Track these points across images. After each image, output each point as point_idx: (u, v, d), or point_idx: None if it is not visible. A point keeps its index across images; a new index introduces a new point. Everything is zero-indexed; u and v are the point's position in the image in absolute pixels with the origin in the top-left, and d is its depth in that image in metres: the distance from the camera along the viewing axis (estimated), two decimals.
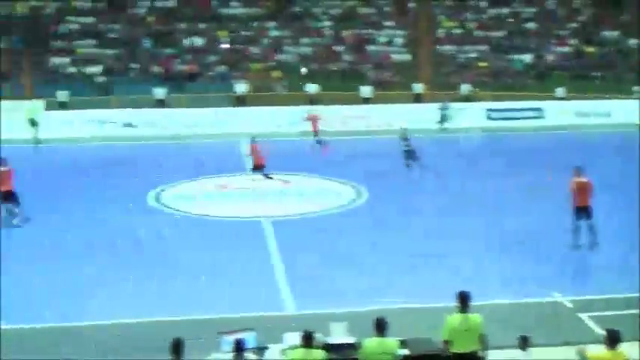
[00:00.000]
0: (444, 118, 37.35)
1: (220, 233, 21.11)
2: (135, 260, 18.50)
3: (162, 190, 25.53)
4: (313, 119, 33.56)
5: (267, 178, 26.14)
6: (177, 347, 9.94)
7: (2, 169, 21.76)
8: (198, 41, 46.40)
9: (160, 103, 40.22)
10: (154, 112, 38.95)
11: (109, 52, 45.12)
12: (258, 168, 26.21)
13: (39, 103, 37.52)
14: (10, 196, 21.72)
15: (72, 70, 43.55)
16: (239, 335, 10.81)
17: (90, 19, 47.54)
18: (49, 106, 38.76)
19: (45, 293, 16.46)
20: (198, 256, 18.80)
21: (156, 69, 44.11)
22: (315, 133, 33.28)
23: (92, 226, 21.57)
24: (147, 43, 45.95)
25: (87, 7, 48.57)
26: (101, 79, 42.87)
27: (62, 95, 39.80)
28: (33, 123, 35.00)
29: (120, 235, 20.57)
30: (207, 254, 18.93)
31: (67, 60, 44.05)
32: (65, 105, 39.51)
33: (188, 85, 43.02)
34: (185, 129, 37.06)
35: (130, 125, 37.50)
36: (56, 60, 43.98)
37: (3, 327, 14.39)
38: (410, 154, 27.32)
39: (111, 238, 20.33)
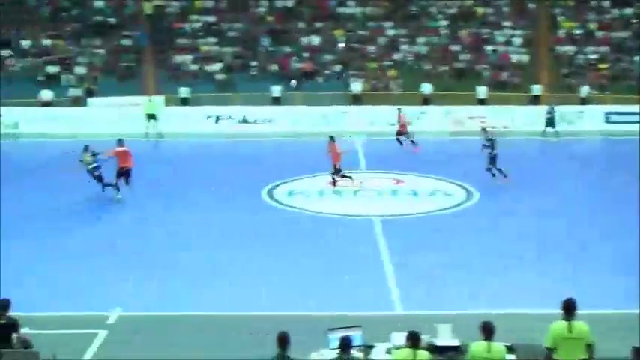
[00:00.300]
0: (549, 122, 36.45)
1: (332, 231, 21.45)
2: (248, 255, 19.09)
3: (276, 186, 26.09)
4: (402, 119, 33.50)
5: (334, 180, 25.89)
6: (282, 341, 10.23)
7: (121, 149, 24.20)
8: (316, 40, 46.98)
9: (276, 101, 41.02)
10: (270, 109, 39.66)
11: (229, 50, 46.24)
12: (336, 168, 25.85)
13: (159, 99, 38.81)
14: (126, 173, 24.25)
15: (193, 67, 44.83)
16: (346, 332, 11.01)
17: (212, 18, 48.85)
18: (170, 102, 40.22)
19: (167, 281, 17.29)
20: (309, 253, 19.22)
21: (273, 67, 44.93)
22: (403, 132, 33.05)
23: (207, 220, 22.30)
24: (265, 42, 46.84)
25: (209, 6, 49.90)
26: (221, 76, 44.00)
27: (184, 92, 41.13)
28: (152, 118, 36.38)
29: (234, 230, 21.26)
30: (318, 251, 19.33)
31: (189, 57, 45.38)
32: (186, 101, 40.80)
33: (304, 83, 43.68)
34: (300, 126, 37.66)
35: (246, 122, 38.31)
36: (178, 57, 45.36)
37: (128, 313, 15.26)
38: (492, 160, 26.07)
39: (226, 233, 21.04)
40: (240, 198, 24.62)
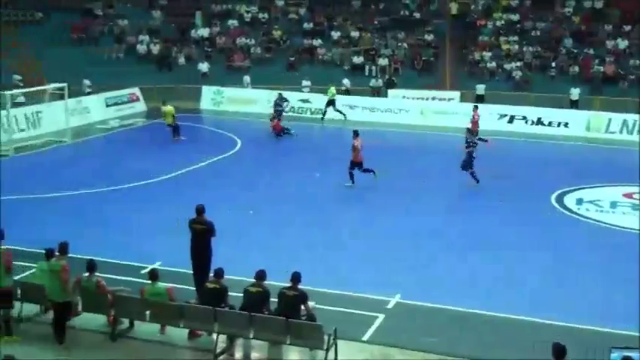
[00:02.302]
0: None
1: (617, 244, 20.58)
2: (532, 257, 18.98)
3: (567, 192, 25.46)
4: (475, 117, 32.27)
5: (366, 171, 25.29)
6: (559, 353, 10.19)
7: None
8: (622, 44, 44.90)
9: (574, 104, 39.79)
10: (567, 112, 38.35)
11: (530, 49, 45.60)
12: (355, 164, 25.13)
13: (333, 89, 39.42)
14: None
15: (492, 65, 44.79)
16: (629, 353, 10.68)
17: (515, 16, 48.45)
18: (466, 98, 40.60)
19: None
20: (596, 265, 18.68)
21: (574, 69, 43.61)
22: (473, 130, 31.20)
23: (493, 220, 22.36)
24: (568, 43, 45.60)
25: (514, 4, 49.53)
26: (519, 75, 43.56)
27: (480, 89, 41.26)
28: (331, 104, 37.79)
29: (517, 232, 21.14)
30: (601, 263, 18.75)
31: (488, 55, 45.39)
32: (482, 98, 40.85)
33: (605, 87, 42.01)
34: (597, 132, 36.29)
35: (541, 123, 37.46)
36: (478, 54, 45.53)
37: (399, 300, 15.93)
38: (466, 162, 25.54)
39: (511, 234, 20.96)
40: (529, 200, 24.35)
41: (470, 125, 31.85)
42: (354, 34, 48.01)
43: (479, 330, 14.81)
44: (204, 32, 48.60)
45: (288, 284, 13.41)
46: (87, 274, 13.87)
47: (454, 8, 49.35)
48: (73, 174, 27.12)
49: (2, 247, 13.76)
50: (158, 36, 47.85)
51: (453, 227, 21.51)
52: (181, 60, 46.18)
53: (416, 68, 45.66)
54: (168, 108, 32.50)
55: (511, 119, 37.82)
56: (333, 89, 38.80)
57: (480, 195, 24.90)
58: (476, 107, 33.48)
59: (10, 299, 13.61)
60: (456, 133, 35.74)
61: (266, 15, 50.64)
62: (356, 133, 25.47)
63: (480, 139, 31.25)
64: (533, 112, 38.03)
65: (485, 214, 22.97)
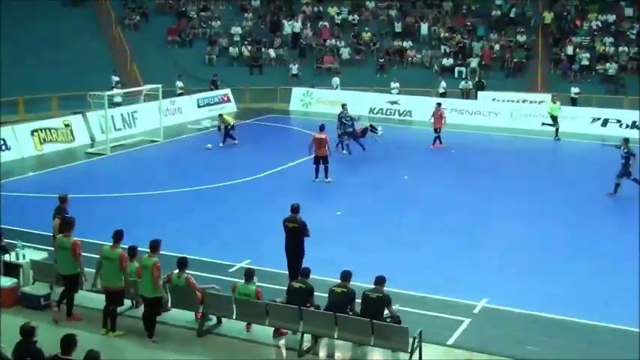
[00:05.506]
0: None
1: None
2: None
3: None
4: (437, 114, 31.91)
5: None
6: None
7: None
8: None
9: None
10: None
11: (626, 50, 44.42)
12: (318, 158, 25.78)
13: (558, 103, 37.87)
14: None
15: (586, 66, 43.83)
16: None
17: (612, 17, 47.29)
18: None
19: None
20: None
21: None
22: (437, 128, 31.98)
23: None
24: None
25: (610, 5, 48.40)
26: (614, 77, 42.50)
27: (573, 91, 40.30)
28: (554, 120, 35.56)
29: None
30: None
31: (582, 56, 44.41)
32: (575, 101, 39.94)
33: None
34: None
35: (637, 127, 36.25)
36: (570, 55, 44.58)
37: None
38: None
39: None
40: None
41: (432, 120, 32.29)
42: (444, 35, 47.61)
43: (564, 338, 14.42)
44: (295, 33, 48.94)
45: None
46: (177, 271, 14.22)
47: (548, 17, 48.14)
48: (166, 172, 27.88)
49: (119, 249, 14.16)
50: (250, 38, 48.43)
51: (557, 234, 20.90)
52: (272, 60, 46.69)
53: (507, 70, 45.05)
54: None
55: (604, 122, 36.77)
56: (558, 104, 36.23)
57: (581, 199, 24.24)
58: (439, 104, 33.10)
59: (122, 298, 14.22)
60: (546, 137, 35.27)
61: (356, 17, 50.75)
62: (321, 128, 26.35)
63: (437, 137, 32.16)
64: (628, 115, 36.90)
65: (595, 221, 22.20)
